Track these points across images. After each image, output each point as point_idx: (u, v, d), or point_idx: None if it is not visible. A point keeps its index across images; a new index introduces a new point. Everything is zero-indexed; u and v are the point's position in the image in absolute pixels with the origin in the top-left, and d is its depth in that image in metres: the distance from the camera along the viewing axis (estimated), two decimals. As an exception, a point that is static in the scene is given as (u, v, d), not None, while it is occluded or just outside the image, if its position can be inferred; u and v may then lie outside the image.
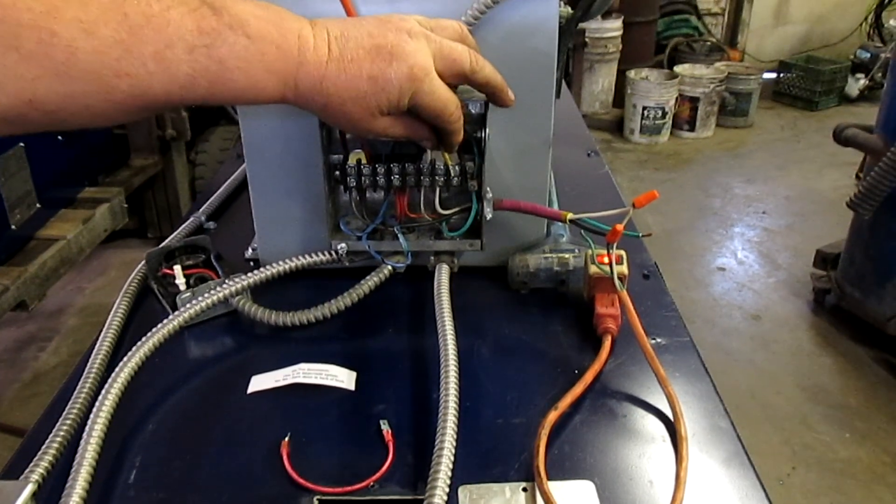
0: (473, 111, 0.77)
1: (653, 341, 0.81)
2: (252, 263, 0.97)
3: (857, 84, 5.38)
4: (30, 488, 0.58)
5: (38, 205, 2.41)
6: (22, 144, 2.30)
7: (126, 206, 2.83)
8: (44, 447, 0.64)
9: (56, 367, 2.68)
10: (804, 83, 5.38)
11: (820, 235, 3.27)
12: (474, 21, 0.76)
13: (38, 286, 2.31)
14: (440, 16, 0.78)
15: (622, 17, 4.86)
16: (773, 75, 5.57)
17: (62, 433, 0.66)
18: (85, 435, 0.63)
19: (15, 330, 2.88)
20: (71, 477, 0.60)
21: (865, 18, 5.89)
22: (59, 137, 2.64)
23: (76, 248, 2.49)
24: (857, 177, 3.94)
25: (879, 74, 5.22)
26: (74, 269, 2.74)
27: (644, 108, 4.72)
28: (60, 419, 0.67)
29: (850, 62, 5.46)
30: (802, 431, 2.34)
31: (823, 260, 2.98)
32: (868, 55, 5.40)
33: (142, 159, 3.09)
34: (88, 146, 2.80)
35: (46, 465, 0.63)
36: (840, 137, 2.60)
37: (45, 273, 2.33)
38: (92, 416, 0.65)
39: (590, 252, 0.82)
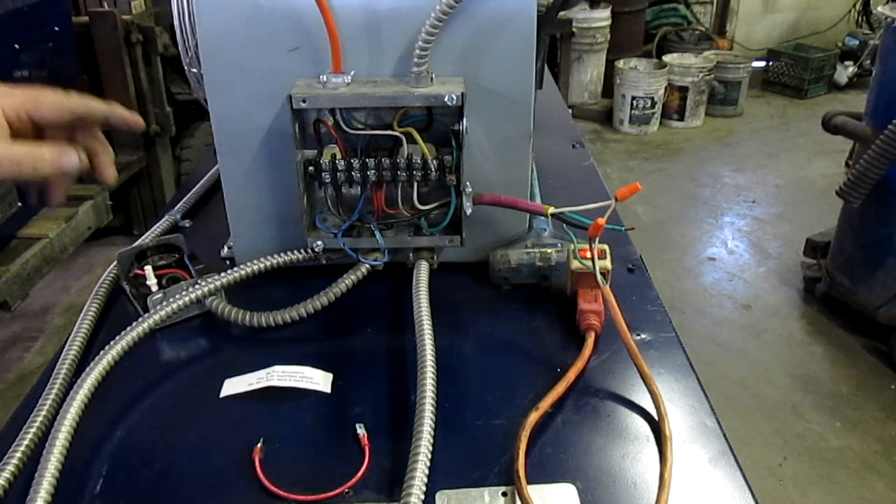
0: (450, 103, 0.75)
1: (637, 337, 0.79)
2: (228, 262, 0.95)
3: (845, 72, 5.37)
4: (-14, 502, 0.56)
5: (19, 203, 2.37)
6: (2, 142, 2.26)
7: (110, 203, 2.79)
8: (5, 458, 0.61)
9: (41, 367, 2.63)
10: (793, 71, 5.36)
11: (810, 224, 3.25)
12: (449, 10, 0.73)
13: (21, 286, 2.27)
14: (415, 6, 0.75)
15: (610, 7, 4.83)
16: (762, 64, 5.55)
17: (25, 443, 0.63)
18: (48, 444, 0.61)
19: (-1, 330, 2.84)
20: (32, 489, 0.58)
21: (854, 6, 5.88)
22: (41, 134, 2.60)
23: (59, 246, 2.46)
24: (847, 165, 3.94)
25: (868, 62, 5.21)
26: (58, 267, 2.71)
27: (633, 98, 4.70)
28: (24, 428, 0.65)
29: (839, 50, 5.44)
30: (793, 421, 2.33)
31: (813, 248, 2.97)
32: (857, 42, 5.39)
33: (126, 156, 3.05)
34: (71, 143, 2.76)
35: (8, 475, 0.60)
36: (829, 125, 2.58)
37: (27, 272, 2.30)
38: (56, 423, 0.63)
39: (572, 247, 0.80)
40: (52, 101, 0.67)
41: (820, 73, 5.33)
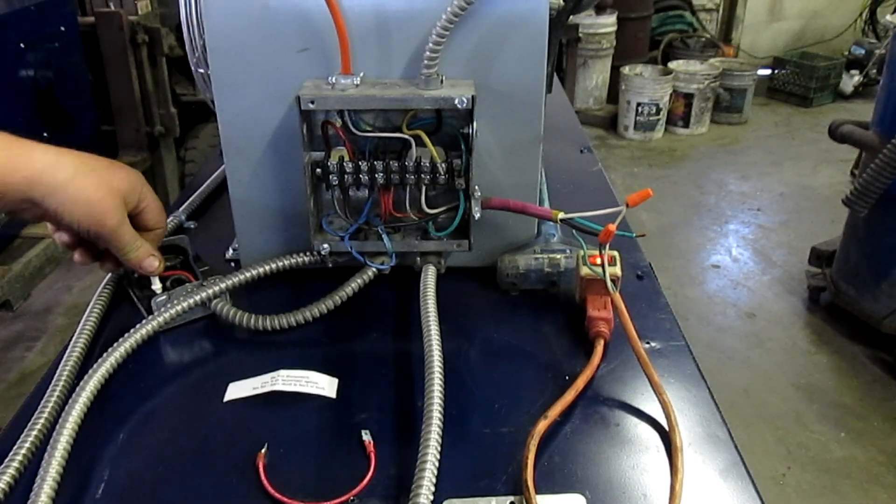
0: (460, 106, 0.74)
1: (646, 345, 0.78)
2: (233, 264, 0.94)
3: (851, 80, 5.36)
4: (-13, 506, 0.55)
5: (22, 202, 2.36)
6: (6, 141, 2.25)
7: (114, 203, 2.78)
8: (6, 460, 0.61)
9: (43, 367, 2.63)
10: (799, 79, 5.35)
11: (815, 232, 3.25)
12: (461, 12, 0.72)
13: (23, 285, 2.27)
14: (426, 8, 0.75)
15: (616, 13, 4.83)
16: (768, 71, 5.54)
17: (27, 445, 0.63)
18: (49, 447, 0.61)
19: (1, 329, 2.83)
20: (33, 492, 0.57)
21: (860, 14, 5.87)
22: (46, 134, 2.60)
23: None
24: (853, 173, 3.93)
25: (874, 70, 5.20)
26: (61, 267, 2.70)
27: (638, 105, 4.69)
28: (25, 430, 0.64)
29: (845, 58, 5.44)
30: (797, 430, 2.32)
31: (818, 257, 2.96)
32: (863, 51, 5.38)
33: (130, 156, 3.04)
34: (75, 143, 2.76)
35: (9, 479, 0.60)
36: (836, 134, 2.57)
37: (29, 272, 2.29)
38: (58, 426, 0.63)
39: (581, 253, 0.79)
40: (157, 210, 0.78)
41: (825, 81, 5.32)
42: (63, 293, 3.06)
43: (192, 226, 1.04)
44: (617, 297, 0.74)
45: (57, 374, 0.71)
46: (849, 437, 2.29)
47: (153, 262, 0.78)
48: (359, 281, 0.83)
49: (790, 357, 2.68)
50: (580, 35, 4.44)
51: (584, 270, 0.78)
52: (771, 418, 2.37)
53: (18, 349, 2.75)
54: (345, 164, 0.77)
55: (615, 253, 0.78)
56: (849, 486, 2.11)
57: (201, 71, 0.90)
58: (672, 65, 4.89)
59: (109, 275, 0.87)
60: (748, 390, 2.49)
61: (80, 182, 0.69)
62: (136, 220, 0.77)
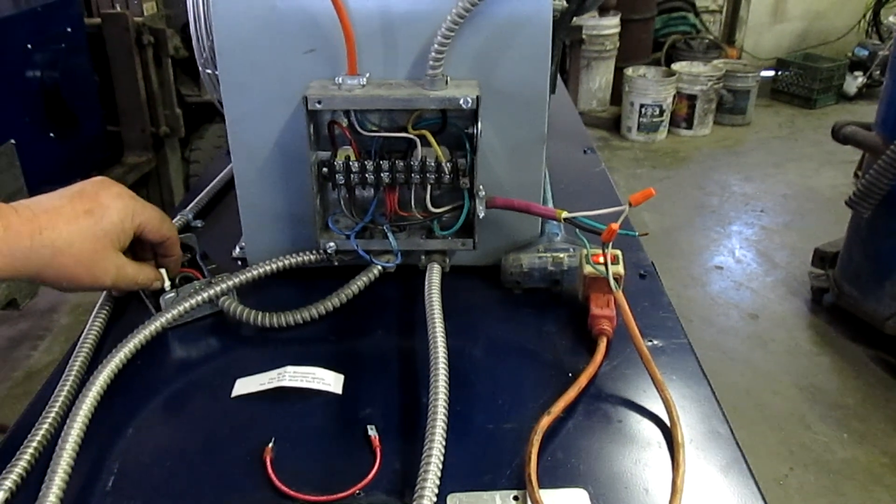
0: (465, 106, 0.75)
1: (649, 343, 0.79)
2: (240, 263, 0.95)
3: (855, 82, 5.36)
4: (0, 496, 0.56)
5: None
6: (13, 141, 2.27)
7: (119, 203, 2.79)
8: (18, 452, 0.62)
9: (48, 366, 2.65)
10: (802, 81, 5.35)
11: (818, 234, 3.25)
12: (465, 13, 0.73)
13: (29, 284, 2.28)
14: (431, 10, 0.76)
15: (620, 15, 4.83)
16: (771, 73, 5.55)
17: (38, 438, 0.64)
18: (60, 440, 0.61)
19: (7, 328, 2.85)
20: (45, 484, 0.58)
21: (864, 16, 5.87)
22: (52, 134, 2.61)
23: (68, 245, 2.46)
24: (856, 175, 3.93)
25: (878, 72, 5.20)
26: (67, 266, 2.71)
27: (641, 106, 4.70)
28: (36, 423, 0.65)
29: (848, 60, 5.44)
30: (800, 432, 2.32)
31: (822, 259, 2.96)
32: (866, 53, 5.38)
33: (135, 156, 3.06)
34: (81, 143, 2.77)
35: (20, 471, 0.61)
36: (839, 135, 2.58)
37: (36, 271, 2.30)
38: (69, 420, 0.63)
39: (585, 251, 0.79)
40: (157, 222, 0.78)
41: (829, 83, 5.32)
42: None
43: (200, 224, 1.05)
44: (619, 295, 0.75)
45: (67, 369, 0.72)
46: (851, 438, 2.29)
47: (157, 284, 0.81)
48: (364, 279, 0.84)
49: (793, 358, 2.69)
50: (584, 37, 4.45)
51: (588, 269, 0.79)
52: (773, 419, 2.37)
53: (24, 347, 2.77)
54: (351, 163, 0.78)
55: (618, 252, 0.79)
56: (851, 488, 2.11)
57: (209, 72, 0.91)
58: (675, 66, 4.90)
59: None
60: (751, 391, 2.50)
61: (60, 260, 0.69)
62: (139, 239, 0.77)
